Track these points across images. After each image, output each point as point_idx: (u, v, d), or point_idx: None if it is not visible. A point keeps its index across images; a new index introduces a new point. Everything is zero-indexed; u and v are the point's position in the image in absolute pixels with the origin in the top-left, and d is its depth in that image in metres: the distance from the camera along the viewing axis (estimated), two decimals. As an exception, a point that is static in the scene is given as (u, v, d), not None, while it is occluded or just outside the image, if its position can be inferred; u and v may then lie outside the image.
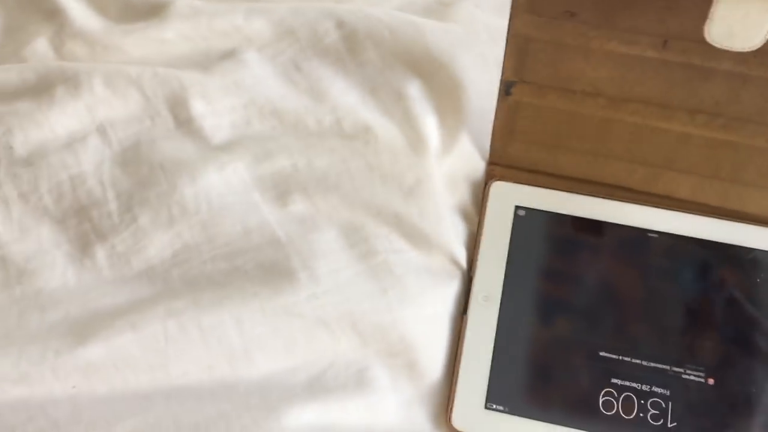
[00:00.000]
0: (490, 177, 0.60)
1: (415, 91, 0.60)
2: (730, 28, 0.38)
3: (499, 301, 0.54)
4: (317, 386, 0.50)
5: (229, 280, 0.51)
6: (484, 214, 0.58)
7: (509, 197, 0.58)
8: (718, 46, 0.37)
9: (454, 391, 0.51)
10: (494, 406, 0.51)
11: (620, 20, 0.46)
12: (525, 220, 0.57)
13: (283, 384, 0.50)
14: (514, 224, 0.57)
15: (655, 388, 0.51)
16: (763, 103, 0.49)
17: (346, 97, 0.60)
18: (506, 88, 0.54)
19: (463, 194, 0.59)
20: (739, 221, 0.56)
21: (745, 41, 0.38)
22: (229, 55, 0.62)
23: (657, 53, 0.47)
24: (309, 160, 0.56)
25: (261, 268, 0.52)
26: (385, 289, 0.52)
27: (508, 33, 0.49)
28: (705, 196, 0.57)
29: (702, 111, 0.51)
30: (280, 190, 0.55)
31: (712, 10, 0.38)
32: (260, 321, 0.50)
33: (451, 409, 0.51)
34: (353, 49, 0.62)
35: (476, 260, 0.56)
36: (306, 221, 0.54)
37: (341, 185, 0.56)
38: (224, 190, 0.55)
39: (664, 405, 0.51)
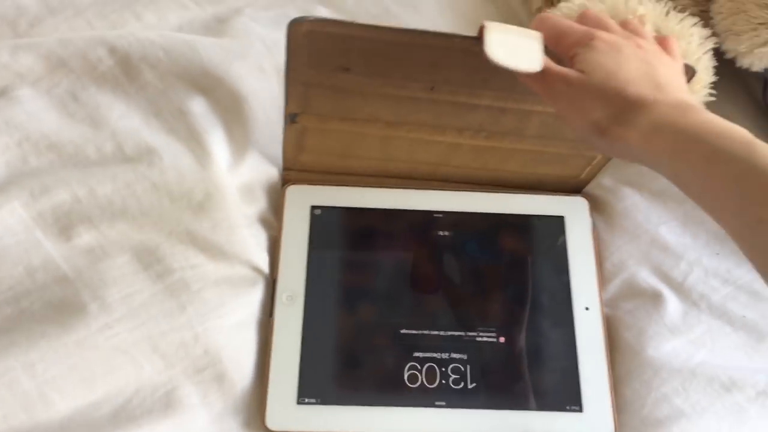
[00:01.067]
0: (285, 182, 0.61)
1: (198, 107, 0.60)
2: (508, 56, 0.41)
3: (303, 299, 0.56)
4: (123, 416, 0.48)
5: (16, 324, 0.49)
6: (281, 217, 0.59)
7: (305, 198, 0.60)
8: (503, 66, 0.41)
9: (266, 393, 0.52)
10: (306, 400, 0.52)
11: (392, 72, 0.49)
12: (321, 218, 0.59)
13: (87, 421, 0.48)
14: (311, 223, 0.59)
15: (453, 355, 0.55)
16: (518, 123, 0.54)
17: (127, 121, 0.59)
18: (291, 118, 0.55)
19: (260, 202, 0.60)
20: (510, 192, 0.61)
21: (527, 64, 0.42)
22: None
23: (426, 95, 0.51)
24: (90, 189, 0.55)
25: (49, 306, 0.50)
26: (183, 306, 0.52)
27: (286, 76, 0.51)
28: (478, 179, 0.62)
29: (469, 129, 0.55)
30: (63, 224, 0.53)
31: (485, 41, 0.41)
32: (53, 361, 0.48)
33: (264, 411, 0.51)
34: (129, 73, 0.61)
35: (278, 262, 0.57)
36: (94, 251, 0.53)
37: (128, 210, 0.55)
38: (2, 231, 0.52)
39: (463, 369, 0.54)
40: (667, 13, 0.53)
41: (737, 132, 0.40)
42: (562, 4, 0.56)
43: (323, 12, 0.66)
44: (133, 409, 0.49)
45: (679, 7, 0.57)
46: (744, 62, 0.55)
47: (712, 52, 0.55)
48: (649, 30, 0.45)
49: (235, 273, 0.55)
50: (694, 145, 0.40)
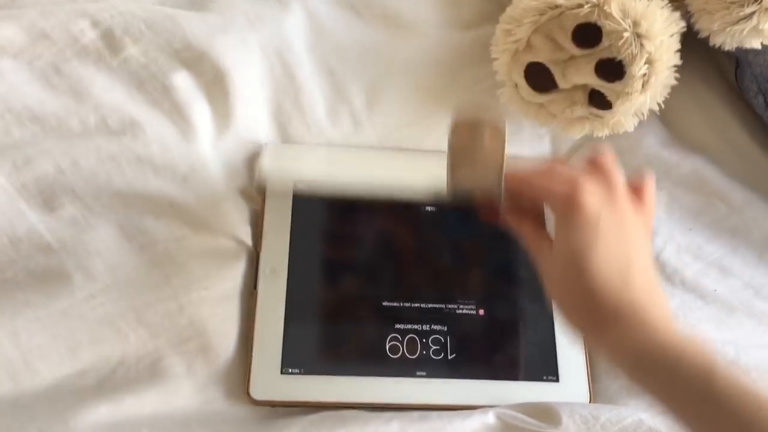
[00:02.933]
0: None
1: (181, 81, 0.59)
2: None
3: (286, 272, 0.56)
4: (108, 385, 0.48)
5: (2, 293, 0.49)
6: (264, 191, 0.59)
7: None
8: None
9: (250, 364, 0.52)
10: (290, 370, 0.52)
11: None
12: (304, 192, 0.59)
13: (72, 389, 0.48)
14: (294, 198, 0.59)
15: (434, 326, 0.55)
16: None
17: (111, 95, 0.58)
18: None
19: (243, 175, 0.60)
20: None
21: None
22: (-21, 66, 0.58)
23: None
24: (74, 160, 0.54)
25: (33, 276, 0.49)
26: (168, 278, 0.52)
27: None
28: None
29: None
30: (47, 195, 0.53)
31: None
32: (37, 330, 0.48)
33: (249, 381, 0.52)
34: (112, 45, 0.60)
35: (261, 236, 0.57)
36: (79, 222, 0.52)
37: (112, 182, 0.54)
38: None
39: (443, 340, 0.55)
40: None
41: (698, 356, 0.38)
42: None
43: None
44: (118, 379, 0.49)
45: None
46: (717, 41, 0.55)
47: (678, 36, 0.55)
48: (620, 177, 0.43)
49: (219, 245, 0.55)
50: (654, 368, 0.39)
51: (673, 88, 0.58)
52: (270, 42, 0.62)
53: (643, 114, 0.58)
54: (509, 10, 0.57)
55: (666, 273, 0.58)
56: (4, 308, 0.48)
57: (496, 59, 0.59)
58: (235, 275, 0.55)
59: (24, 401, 0.47)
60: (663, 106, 0.58)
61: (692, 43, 0.59)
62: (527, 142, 0.64)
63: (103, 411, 0.47)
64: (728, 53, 0.61)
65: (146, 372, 0.50)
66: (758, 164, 0.63)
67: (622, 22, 0.52)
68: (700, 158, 0.62)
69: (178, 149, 0.56)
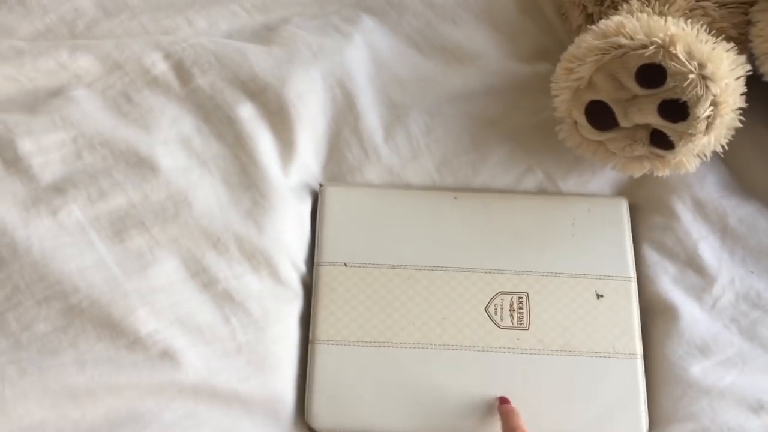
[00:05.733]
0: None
1: (246, 113, 0.60)
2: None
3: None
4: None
5: (66, 320, 0.50)
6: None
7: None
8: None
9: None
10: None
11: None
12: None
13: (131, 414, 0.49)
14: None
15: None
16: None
17: (179, 126, 0.59)
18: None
19: (307, 204, 0.60)
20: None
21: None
22: (56, 93, 0.59)
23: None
24: (145, 195, 0.55)
25: (97, 305, 0.50)
26: (227, 317, 0.52)
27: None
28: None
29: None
30: (117, 227, 0.53)
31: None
32: (102, 360, 0.49)
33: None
34: (182, 77, 0.61)
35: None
36: (144, 255, 0.53)
37: (179, 215, 0.55)
38: (57, 231, 0.52)
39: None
40: (698, 34, 0.52)
41: None
42: (601, 22, 0.55)
43: (368, 22, 0.66)
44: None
45: (715, 30, 0.55)
46: (780, 84, 0.53)
47: (744, 79, 0.53)
48: None
49: (277, 284, 0.55)
50: None
51: (736, 131, 0.56)
52: (332, 72, 0.62)
53: (705, 155, 0.55)
54: (571, 48, 0.56)
55: (723, 322, 0.56)
56: (69, 333, 0.49)
57: (556, 96, 0.58)
58: (292, 313, 0.55)
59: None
60: (726, 147, 0.55)
61: (756, 86, 0.56)
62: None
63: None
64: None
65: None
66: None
67: (687, 63, 0.50)
68: (763, 201, 0.60)
69: (243, 182, 0.57)
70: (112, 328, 0.50)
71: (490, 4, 0.68)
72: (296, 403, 0.54)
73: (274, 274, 0.55)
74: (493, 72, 0.65)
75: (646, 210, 0.61)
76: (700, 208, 0.59)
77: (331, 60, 0.62)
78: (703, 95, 0.50)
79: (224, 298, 0.53)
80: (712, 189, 0.59)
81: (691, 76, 0.50)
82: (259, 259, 0.55)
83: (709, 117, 0.51)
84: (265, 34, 0.65)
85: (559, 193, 0.61)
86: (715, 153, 0.57)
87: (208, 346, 0.51)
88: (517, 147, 0.62)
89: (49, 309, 0.49)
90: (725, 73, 0.51)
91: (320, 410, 0.54)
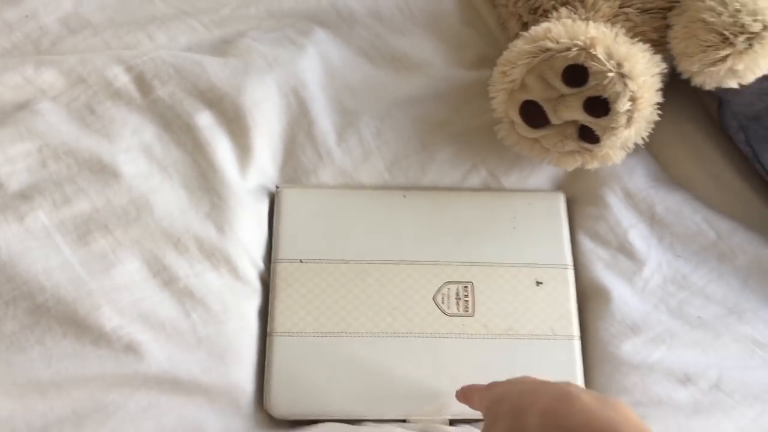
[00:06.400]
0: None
1: (204, 120, 0.63)
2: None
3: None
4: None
5: (34, 318, 0.52)
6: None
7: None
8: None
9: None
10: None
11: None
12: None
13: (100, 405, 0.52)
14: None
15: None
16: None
17: (140, 135, 0.62)
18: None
19: (264, 206, 0.63)
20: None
21: None
22: (22, 106, 0.62)
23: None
24: (108, 200, 0.58)
25: (63, 304, 0.53)
26: (188, 313, 0.55)
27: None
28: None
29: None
30: (81, 231, 0.56)
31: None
32: (67, 355, 0.52)
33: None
34: (143, 89, 0.64)
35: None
36: (108, 256, 0.56)
37: (141, 218, 0.58)
38: (24, 236, 0.55)
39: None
40: (616, 36, 0.56)
41: None
42: (531, 29, 0.59)
43: (321, 35, 0.69)
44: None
45: (638, 34, 0.60)
46: (697, 81, 0.57)
47: (660, 76, 0.58)
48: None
49: (236, 281, 0.58)
50: None
51: (661, 126, 0.60)
52: (286, 81, 0.65)
53: (629, 147, 0.59)
54: (505, 53, 0.60)
55: (652, 302, 0.60)
56: (36, 331, 0.51)
57: (493, 98, 0.62)
58: (251, 307, 0.58)
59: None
60: (648, 140, 0.59)
61: (678, 84, 0.61)
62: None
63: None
64: (710, 92, 0.63)
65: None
66: (741, 195, 0.64)
67: (606, 63, 0.54)
68: (688, 190, 0.64)
69: (203, 186, 0.60)
70: (77, 325, 0.52)
71: (436, 16, 0.72)
72: (255, 392, 0.57)
73: (233, 272, 0.58)
74: (439, 78, 0.69)
75: (581, 202, 0.65)
76: (629, 198, 0.63)
77: (286, 69, 0.66)
78: (621, 92, 0.54)
79: (185, 295, 0.56)
80: (640, 180, 0.63)
81: (610, 74, 0.54)
82: (218, 258, 0.58)
83: (628, 111, 0.55)
84: (222, 47, 0.68)
85: (501, 189, 0.65)
86: (643, 147, 0.61)
87: (170, 340, 0.54)
88: (463, 147, 0.66)
89: (16, 309, 0.52)
90: (642, 71, 0.55)
91: (278, 399, 0.56)
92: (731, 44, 0.53)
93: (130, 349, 0.53)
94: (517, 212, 0.64)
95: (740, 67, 0.54)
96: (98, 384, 0.52)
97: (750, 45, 0.53)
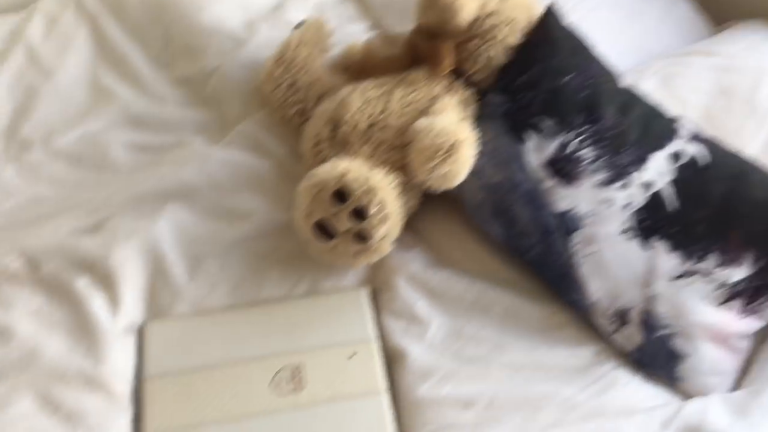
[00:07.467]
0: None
1: (81, 283, 0.80)
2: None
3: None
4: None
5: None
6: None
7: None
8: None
9: None
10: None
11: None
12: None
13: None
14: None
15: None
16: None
17: (31, 303, 0.79)
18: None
19: (133, 337, 0.80)
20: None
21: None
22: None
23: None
24: (5, 354, 0.74)
25: None
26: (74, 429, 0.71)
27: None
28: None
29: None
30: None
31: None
32: None
33: None
34: (32, 268, 0.83)
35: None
36: (3, 398, 0.71)
37: (33, 364, 0.74)
38: None
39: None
40: (363, 164, 0.80)
41: None
42: (310, 172, 0.82)
43: (173, 206, 0.90)
44: None
45: (387, 162, 0.83)
46: (427, 185, 0.80)
47: (397, 187, 0.80)
48: None
49: (112, 399, 0.73)
50: None
51: (433, 219, 0.82)
52: (144, 244, 0.85)
53: (393, 238, 0.80)
54: (298, 189, 0.81)
55: (438, 352, 0.78)
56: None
57: (297, 223, 0.82)
58: (126, 418, 0.74)
59: None
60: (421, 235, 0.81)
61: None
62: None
63: None
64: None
65: None
66: (490, 264, 0.85)
67: (358, 184, 0.76)
68: (453, 267, 0.85)
69: (81, 334, 0.77)
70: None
71: (260, 178, 0.94)
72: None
73: (108, 393, 0.73)
74: (265, 222, 0.89)
75: (382, 290, 0.84)
76: (412, 281, 0.83)
77: (143, 237, 0.85)
78: (372, 199, 0.76)
79: (69, 417, 0.71)
80: (418, 267, 0.84)
81: (362, 189, 0.76)
82: (97, 383, 0.74)
83: (379, 212, 0.76)
84: (99, 224, 0.88)
85: (322, 292, 0.84)
86: (419, 239, 0.82)
87: None
88: (289, 267, 0.85)
89: None
90: (384, 185, 0.77)
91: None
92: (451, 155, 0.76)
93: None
94: (332, 307, 0.82)
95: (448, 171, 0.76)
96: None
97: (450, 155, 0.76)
